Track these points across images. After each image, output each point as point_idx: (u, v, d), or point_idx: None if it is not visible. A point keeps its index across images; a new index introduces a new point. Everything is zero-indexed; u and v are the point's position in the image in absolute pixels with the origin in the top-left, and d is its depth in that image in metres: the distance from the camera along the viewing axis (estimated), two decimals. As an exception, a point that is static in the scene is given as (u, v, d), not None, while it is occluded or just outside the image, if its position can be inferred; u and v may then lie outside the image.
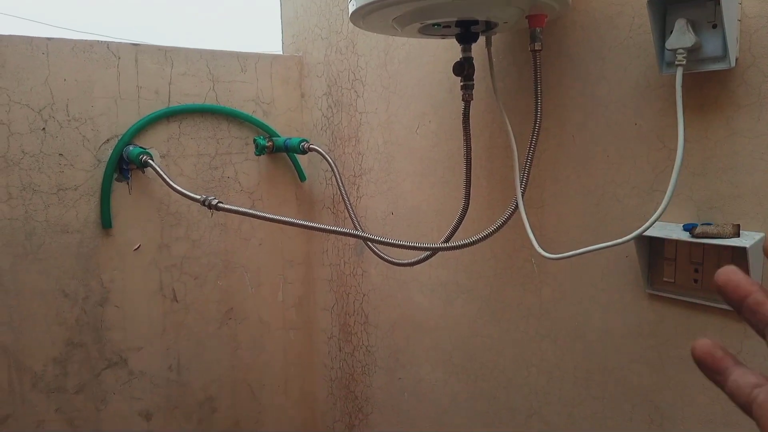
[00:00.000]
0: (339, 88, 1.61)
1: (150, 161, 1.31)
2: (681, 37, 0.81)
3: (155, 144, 1.42)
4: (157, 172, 1.30)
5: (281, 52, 1.80)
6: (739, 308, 0.31)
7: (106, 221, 1.34)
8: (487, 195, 1.22)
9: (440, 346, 1.40)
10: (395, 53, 1.42)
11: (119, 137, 1.36)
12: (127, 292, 1.41)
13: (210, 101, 1.52)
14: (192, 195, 1.23)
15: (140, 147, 1.36)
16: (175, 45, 1.44)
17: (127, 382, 1.43)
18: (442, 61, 1.29)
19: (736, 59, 0.81)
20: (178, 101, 1.45)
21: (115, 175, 1.36)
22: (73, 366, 1.35)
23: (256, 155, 1.60)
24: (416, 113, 1.38)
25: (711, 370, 0.31)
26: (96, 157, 1.33)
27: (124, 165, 1.36)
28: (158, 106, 1.42)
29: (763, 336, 0.29)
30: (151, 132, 1.41)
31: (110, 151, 1.34)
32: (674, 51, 0.82)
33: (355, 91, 1.56)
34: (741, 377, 0.29)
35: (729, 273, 0.31)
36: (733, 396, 0.29)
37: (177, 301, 1.49)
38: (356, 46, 1.53)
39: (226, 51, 1.54)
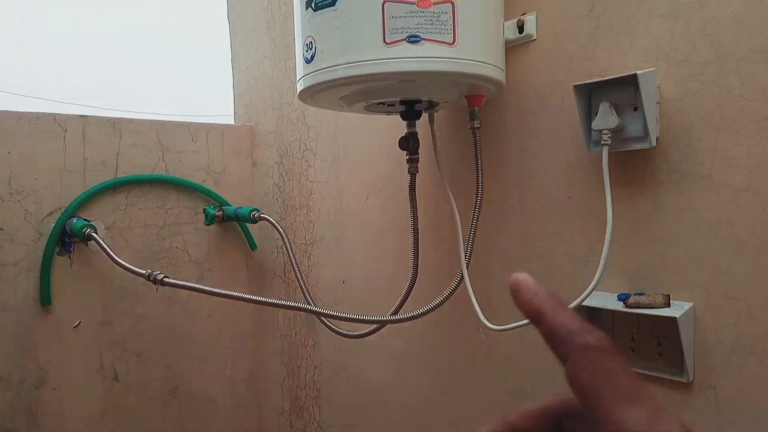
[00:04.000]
0: (290, 158, 1.63)
1: (93, 234, 1.29)
2: (605, 118, 0.87)
3: (101, 215, 1.40)
4: (100, 245, 1.27)
5: (233, 122, 1.83)
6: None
7: (45, 298, 1.29)
8: (436, 265, 1.24)
9: (394, 419, 1.38)
10: (344, 125, 1.46)
11: (63, 210, 1.33)
12: (65, 372, 1.34)
13: (159, 171, 1.51)
14: (136, 270, 1.21)
15: (84, 219, 1.34)
16: (124, 116, 1.45)
17: (61, 470, 1.34)
18: (390, 134, 1.33)
19: (657, 139, 0.88)
20: (126, 171, 1.44)
21: (57, 249, 1.32)
22: (2, 454, 1.26)
23: (206, 225, 1.59)
24: (365, 183, 1.41)
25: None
26: (38, 231, 1.30)
27: (67, 238, 1.33)
28: (105, 177, 1.41)
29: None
30: (96, 203, 1.39)
31: (53, 225, 1.31)
32: (600, 131, 0.88)
33: (306, 161, 1.58)
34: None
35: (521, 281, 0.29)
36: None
37: (118, 380, 1.42)
38: (307, 118, 1.56)
39: (177, 122, 1.55)
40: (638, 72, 0.82)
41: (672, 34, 0.86)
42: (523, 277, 0.30)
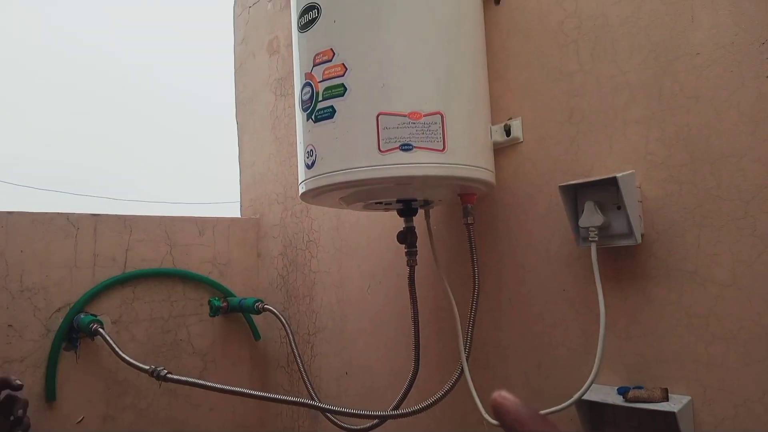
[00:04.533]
0: (294, 249, 1.68)
1: (100, 330, 1.31)
2: (591, 217, 0.92)
3: (108, 310, 1.42)
4: (106, 341, 1.29)
5: (239, 211, 1.90)
6: None
7: (50, 394, 1.30)
8: (437, 355, 1.25)
9: None
10: (346, 217, 1.51)
11: (71, 305, 1.36)
12: (65, 469, 1.32)
13: (167, 264, 1.55)
14: (140, 366, 1.22)
15: (91, 315, 1.36)
16: (135, 213, 1.51)
17: None
18: (390, 225, 1.38)
19: (642, 235, 0.92)
20: (135, 266, 1.49)
21: (64, 344, 1.34)
22: None
23: (211, 316, 1.61)
24: (367, 273, 1.44)
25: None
26: (46, 327, 1.32)
27: (74, 333, 1.35)
28: (113, 273, 1.45)
29: None
30: (104, 298, 1.42)
31: (61, 320, 1.34)
32: (587, 228, 0.92)
33: (310, 252, 1.63)
34: None
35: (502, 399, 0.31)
36: None
37: (119, 477, 1.40)
38: (310, 211, 1.62)
39: (185, 217, 1.61)
40: (618, 175, 0.87)
41: (647, 138, 0.92)
42: (503, 397, 0.32)
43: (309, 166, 0.99)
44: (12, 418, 0.79)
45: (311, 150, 0.98)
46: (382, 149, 0.91)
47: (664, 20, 0.91)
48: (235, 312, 1.65)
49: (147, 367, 1.21)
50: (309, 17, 0.97)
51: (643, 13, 0.94)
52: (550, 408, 0.93)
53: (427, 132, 0.91)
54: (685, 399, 0.86)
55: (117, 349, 1.29)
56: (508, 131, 1.10)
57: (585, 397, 0.91)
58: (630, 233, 0.91)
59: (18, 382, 0.81)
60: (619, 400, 0.90)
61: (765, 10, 0.81)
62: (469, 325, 1.09)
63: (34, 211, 1.36)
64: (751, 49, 0.83)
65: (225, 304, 1.62)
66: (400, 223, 1.16)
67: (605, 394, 0.93)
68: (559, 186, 0.94)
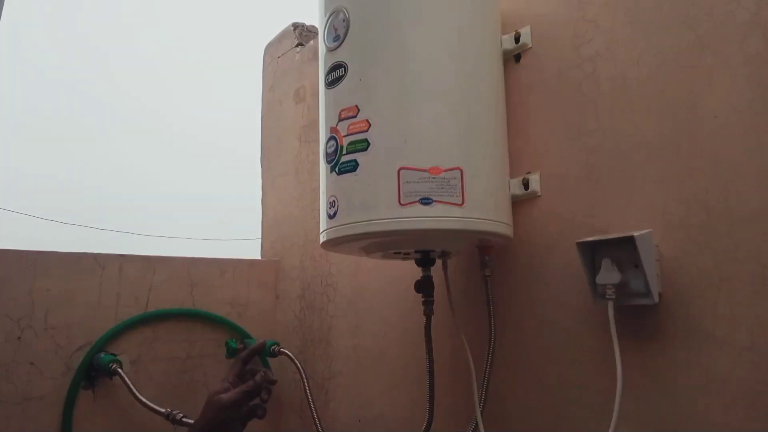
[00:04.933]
0: (312, 292, 1.69)
1: (119, 370, 1.33)
2: (608, 274, 0.92)
3: (128, 349, 1.45)
4: (124, 381, 1.31)
5: (259, 255, 1.93)
6: None
7: (66, 432, 1.31)
8: (451, 407, 1.24)
9: None
10: (364, 264, 1.53)
11: (92, 344, 1.39)
12: None
13: (187, 304, 1.58)
14: (157, 408, 1.23)
15: (111, 354, 1.39)
16: (160, 254, 1.55)
17: None
18: (407, 275, 1.39)
19: (660, 294, 0.92)
20: (157, 306, 1.51)
21: (83, 383, 1.36)
22: None
23: (227, 358, 1.62)
24: (383, 321, 1.45)
25: None
26: (66, 365, 1.35)
27: (93, 372, 1.37)
28: (135, 312, 1.48)
29: None
30: (125, 337, 1.45)
31: (81, 358, 1.36)
32: (604, 286, 0.92)
33: (327, 296, 1.64)
34: None
35: None
36: None
37: None
38: (329, 255, 1.64)
39: (208, 258, 1.65)
40: (635, 234, 0.88)
41: (666, 198, 0.93)
42: None
43: (331, 216, 1.01)
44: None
45: (333, 201, 1.01)
46: (402, 202, 0.93)
47: (682, 82, 0.94)
48: (251, 354, 1.66)
49: (163, 410, 1.22)
50: (336, 75, 1.02)
51: (661, 75, 0.96)
52: (566, 467, 0.92)
53: (447, 187, 0.94)
54: (706, 464, 0.85)
55: (134, 390, 1.30)
56: (526, 185, 1.12)
57: (602, 457, 0.90)
58: (647, 292, 0.91)
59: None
60: (637, 463, 0.89)
61: (780, 78, 0.83)
62: (484, 379, 1.08)
63: (63, 251, 1.40)
64: (768, 113, 0.84)
65: (242, 346, 1.63)
66: (417, 272, 1.17)
67: (623, 455, 0.91)
68: (576, 242, 0.95)
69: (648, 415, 0.93)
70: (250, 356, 0.99)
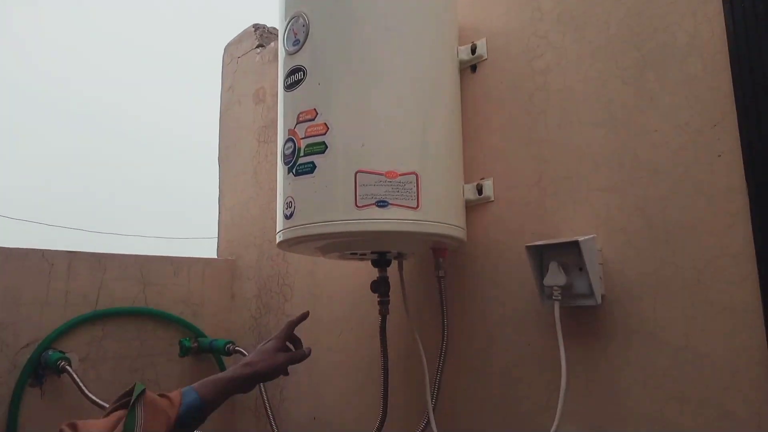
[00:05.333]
0: (268, 292, 1.69)
1: (67, 367, 1.30)
2: (555, 276, 0.97)
3: (76, 347, 1.42)
4: (73, 379, 1.29)
5: (215, 254, 1.91)
6: None
7: (11, 430, 1.28)
8: (404, 404, 1.27)
9: None
10: (322, 264, 1.54)
11: (39, 341, 1.35)
12: None
13: (139, 303, 1.56)
14: (105, 405, 1.21)
15: (59, 351, 1.35)
16: (111, 251, 1.52)
17: None
18: (363, 275, 1.41)
19: (603, 296, 0.97)
20: (107, 304, 1.48)
21: (29, 381, 1.33)
22: None
23: (180, 356, 1.60)
24: (339, 320, 1.46)
25: None
26: (12, 363, 1.31)
27: (40, 370, 1.34)
28: (84, 310, 1.44)
29: None
30: (73, 335, 1.42)
31: (28, 356, 1.33)
32: (551, 287, 0.97)
33: (284, 296, 1.64)
34: None
35: None
36: None
37: None
38: (286, 255, 1.65)
39: (161, 256, 1.63)
40: (579, 239, 0.92)
41: (609, 206, 0.98)
42: None
43: (287, 217, 1.02)
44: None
45: (290, 201, 1.02)
46: (358, 205, 0.95)
47: (626, 98, 0.99)
48: (205, 353, 1.65)
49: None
50: (295, 78, 1.03)
51: (606, 90, 1.01)
52: (512, 462, 0.96)
53: (402, 190, 0.96)
54: (641, 458, 0.90)
55: (83, 387, 1.28)
56: (480, 190, 1.15)
57: (546, 452, 0.94)
58: (591, 294, 0.95)
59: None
60: (578, 457, 0.93)
61: (716, 97, 0.89)
62: (437, 376, 1.11)
63: (9, 246, 1.36)
64: (704, 129, 0.90)
65: (195, 344, 1.62)
66: (374, 273, 1.19)
67: (565, 450, 0.96)
68: (526, 246, 0.99)
69: (590, 409, 0.98)
70: (299, 321, 1.06)
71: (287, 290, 1.63)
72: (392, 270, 1.21)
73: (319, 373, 1.50)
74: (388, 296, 1.19)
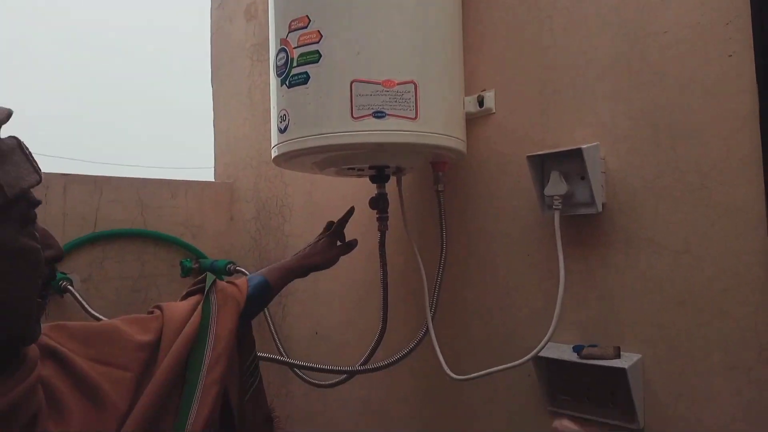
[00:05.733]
0: (267, 213, 1.69)
1: (69, 287, 1.31)
2: (556, 186, 0.95)
3: (77, 268, 1.42)
4: (75, 298, 1.30)
5: (213, 177, 1.89)
6: None
7: (18, 351, 1.31)
8: (404, 316, 1.30)
9: (364, 471, 1.40)
10: (320, 182, 1.53)
11: (41, 264, 1.35)
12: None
13: (138, 226, 1.55)
14: (113, 324, 1.23)
15: (61, 272, 1.36)
16: (106, 174, 1.50)
17: None
18: (363, 190, 1.39)
19: (604, 204, 0.96)
20: (105, 227, 1.48)
21: (33, 303, 1.34)
22: None
23: (182, 277, 1.62)
24: (339, 238, 1.47)
25: None
26: (14, 285, 1.32)
27: (42, 291, 1.35)
28: (83, 232, 1.44)
29: None
30: (73, 257, 1.42)
31: (30, 279, 1.33)
32: (551, 197, 0.96)
33: (283, 216, 1.64)
34: None
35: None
36: None
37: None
38: (284, 176, 1.63)
39: (157, 179, 1.61)
40: (583, 146, 0.90)
41: (614, 113, 0.95)
42: (565, 426, 0.36)
43: (282, 131, 1.00)
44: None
45: (284, 114, 0.99)
46: (354, 116, 0.92)
47: (634, -3, 0.94)
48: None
49: (119, 326, 1.22)
50: (286, -20, 0.97)
51: (615, -12, 0.96)
52: (509, 362, 0.98)
53: (400, 100, 0.93)
54: (636, 357, 0.92)
55: (86, 305, 1.30)
56: (481, 102, 1.12)
57: (542, 354, 0.96)
58: (592, 202, 0.95)
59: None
60: (573, 357, 0.96)
61: (728, -9, 0.84)
62: (435, 287, 1.13)
63: (1, 168, 1.34)
64: (716, 29, 0.86)
65: (197, 265, 1.64)
66: (372, 189, 1.18)
67: (561, 351, 0.98)
68: (527, 156, 0.97)
69: (587, 315, 0.99)
70: (347, 218, 1.15)
71: (286, 211, 1.63)
72: (391, 187, 1.19)
73: (320, 290, 1.52)
74: (387, 212, 1.19)
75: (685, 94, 0.88)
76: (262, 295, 0.94)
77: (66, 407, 0.59)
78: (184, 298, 0.88)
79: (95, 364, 0.66)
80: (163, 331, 0.74)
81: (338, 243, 1.12)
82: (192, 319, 0.78)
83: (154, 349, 0.72)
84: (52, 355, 0.63)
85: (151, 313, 0.80)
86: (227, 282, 0.90)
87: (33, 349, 0.59)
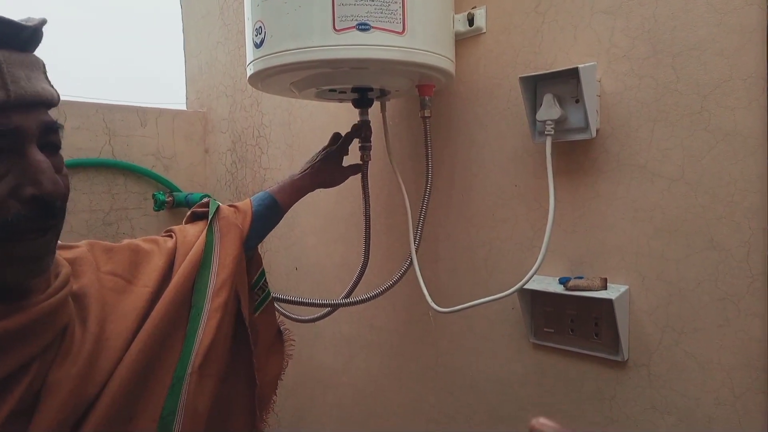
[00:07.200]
0: (243, 145, 1.62)
1: (36, 219, 1.25)
2: (549, 110, 0.90)
3: (43, 200, 1.35)
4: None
5: (185, 107, 1.80)
6: None
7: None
8: (387, 249, 1.26)
9: (343, 403, 1.40)
10: (298, 112, 1.45)
11: (2, 193, 1.28)
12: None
13: (106, 155, 1.47)
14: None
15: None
16: (69, 98, 1.40)
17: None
18: (344, 121, 1.33)
19: (597, 130, 0.91)
20: (70, 155, 1.40)
21: None
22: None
23: (155, 211, 1.56)
24: (319, 170, 1.41)
25: None
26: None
27: (7, 222, 1.28)
28: (48, 161, 1.36)
29: None
30: (39, 187, 1.35)
31: (-9, 208, 1.26)
32: (544, 122, 0.91)
33: (260, 148, 1.57)
34: None
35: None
36: None
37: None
38: (261, 105, 1.55)
39: (125, 105, 1.52)
40: (579, 66, 0.85)
41: (613, 30, 0.89)
42: (542, 424, 0.34)
43: (258, 45, 0.92)
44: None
45: (260, 27, 0.91)
46: (337, 28, 0.85)
47: None
48: (181, 207, 1.60)
49: (88, 257, 1.17)
50: None
51: None
52: (494, 295, 0.96)
53: (386, 11, 0.86)
54: (623, 288, 0.90)
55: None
56: (471, 21, 1.05)
57: (527, 286, 0.94)
58: (586, 127, 0.90)
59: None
60: (559, 289, 0.93)
61: None
62: (420, 219, 1.09)
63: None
64: (725, -63, 0.79)
65: (170, 198, 1.57)
66: (354, 117, 1.12)
67: (547, 283, 0.96)
68: (520, 77, 0.91)
69: (575, 246, 0.97)
70: (354, 134, 1.11)
71: (263, 142, 1.56)
72: (375, 114, 1.13)
73: (299, 225, 1.47)
74: (370, 141, 1.13)
75: (688, 8, 0.83)
76: (269, 215, 0.96)
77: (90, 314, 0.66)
78: (189, 219, 0.91)
79: (118, 279, 0.73)
80: (176, 255, 0.80)
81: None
82: (195, 248, 0.81)
83: (168, 270, 0.78)
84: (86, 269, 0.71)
85: (169, 235, 0.86)
86: (230, 206, 0.93)
87: (65, 266, 0.66)
